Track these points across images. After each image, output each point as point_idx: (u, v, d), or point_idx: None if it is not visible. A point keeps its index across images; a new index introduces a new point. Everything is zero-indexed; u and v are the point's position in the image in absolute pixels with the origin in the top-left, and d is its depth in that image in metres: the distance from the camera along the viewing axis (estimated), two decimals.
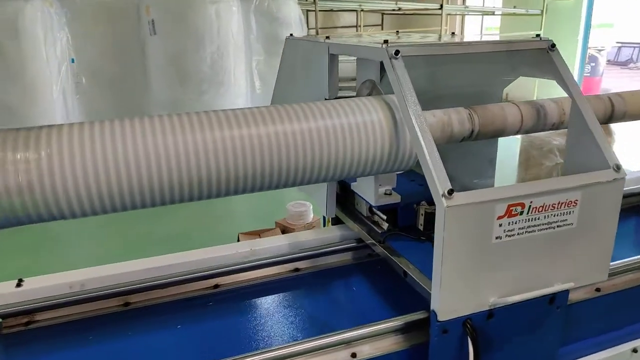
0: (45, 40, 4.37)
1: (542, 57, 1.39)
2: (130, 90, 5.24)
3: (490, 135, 1.41)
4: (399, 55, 1.23)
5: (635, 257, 1.53)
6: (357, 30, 8.89)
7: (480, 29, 10.61)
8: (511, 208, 1.14)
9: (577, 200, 1.19)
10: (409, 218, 1.62)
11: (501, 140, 1.61)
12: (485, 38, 1.75)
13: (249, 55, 5.68)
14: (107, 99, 5.16)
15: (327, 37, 1.60)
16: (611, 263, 1.49)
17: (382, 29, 10.40)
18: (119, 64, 5.20)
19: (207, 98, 5.10)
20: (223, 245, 1.66)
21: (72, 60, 4.79)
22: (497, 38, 1.46)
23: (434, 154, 1.12)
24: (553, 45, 1.37)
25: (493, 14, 9.45)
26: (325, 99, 1.63)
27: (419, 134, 1.14)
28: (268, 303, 1.48)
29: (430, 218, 1.51)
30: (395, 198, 1.60)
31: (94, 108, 5.04)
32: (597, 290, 1.47)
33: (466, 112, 1.37)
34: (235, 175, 1.14)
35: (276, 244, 1.68)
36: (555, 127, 1.49)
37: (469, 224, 1.11)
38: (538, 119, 1.44)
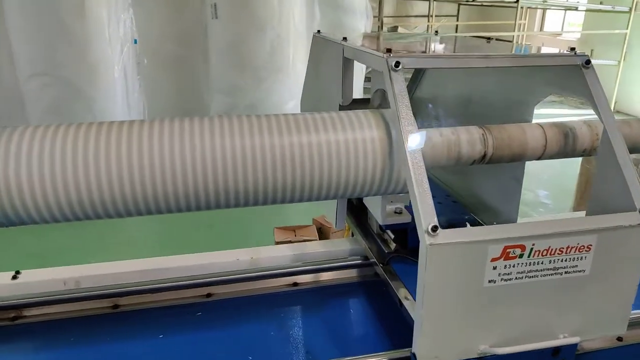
0: (109, 20, 4.52)
1: (575, 74, 1.22)
2: (190, 74, 5.33)
3: (506, 160, 1.26)
4: (400, 67, 1.11)
5: None
6: (428, 21, 8.53)
7: (562, 24, 9.84)
8: (508, 250, 1.00)
9: (591, 245, 1.04)
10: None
11: None
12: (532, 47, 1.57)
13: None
14: (167, 81, 5.29)
15: (344, 39, 1.50)
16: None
17: (458, 20, 9.91)
18: (181, 46, 5.30)
19: (266, 86, 5.09)
20: (223, 252, 1.62)
21: (135, 41, 4.93)
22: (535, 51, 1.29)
23: (422, 182, 1.01)
24: (588, 62, 1.20)
25: (576, 9, 8.69)
26: (340, 105, 1.55)
27: (408, 156, 1.03)
28: (257, 319, 1.43)
29: None
30: (406, 217, 1.48)
31: (154, 89, 5.19)
32: (619, 339, 1.30)
33: (479, 133, 1.23)
34: (206, 189, 1.08)
35: (279, 254, 1.63)
36: (587, 153, 1.31)
37: (457, 265, 0.99)
38: (566, 144, 1.27)
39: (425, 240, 0.96)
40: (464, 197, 1.72)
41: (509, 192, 1.55)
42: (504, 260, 1.01)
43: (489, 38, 1.99)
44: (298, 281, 1.56)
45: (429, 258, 0.97)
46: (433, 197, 1.71)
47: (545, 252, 1.02)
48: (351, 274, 1.59)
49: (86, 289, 1.46)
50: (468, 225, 1.56)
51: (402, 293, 1.31)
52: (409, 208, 1.51)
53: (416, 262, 1.40)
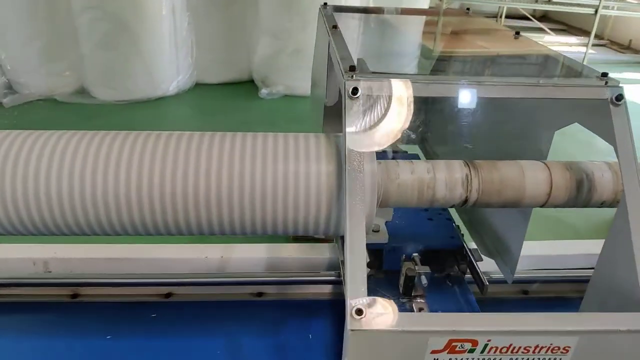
0: None
1: (601, 109, 0.94)
2: (240, 12, 5.08)
3: (495, 206, 1.03)
4: (358, 94, 0.89)
5: None
6: None
7: None
8: (454, 344, 0.81)
9: (568, 347, 0.82)
10: (397, 262, 1.32)
11: None
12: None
13: None
14: (217, 19, 5.07)
15: (334, 27, 1.26)
16: None
17: None
18: None
19: (312, 29, 4.78)
20: (193, 245, 1.51)
21: None
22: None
23: (358, 245, 0.82)
24: (619, 97, 0.91)
25: None
26: (325, 105, 1.34)
27: (347, 206, 0.84)
28: (211, 330, 1.32)
29: (409, 282, 1.20)
30: (381, 237, 1.30)
31: (203, 27, 5.01)
32: None
33: (463, 172, 0.99)
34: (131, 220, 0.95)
35: (251, 255, 1.50)
36: (607, 205, 1.04)
37: (386, 355, 0.81)
38: (578, 194, 1.01)
39: (348, 323, 0.79)
40: (462, 212, 1.49)
41: (515, 219, 1.31)
42: (447, 353, 0.82)
43: (517, 32, 1.58)
44: (264, 291, 1.43)
45: (352, 345, 0.79)
46: (426, 210, 1.51)
47: (505, 349, 0.82)
48: (323, 289, 1.43)
49: (49, 276, 1.42)
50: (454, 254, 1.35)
51: None
52: (390, 225, 1.32)
53: (388, 297, 1.24)
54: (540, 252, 1.57)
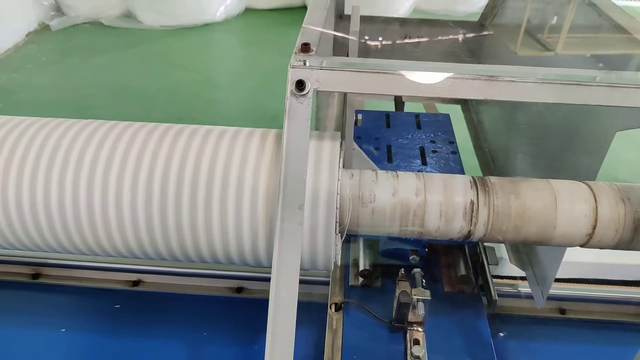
0: None
1: None
2: None
3: (509, 243, 0.74)
4: (306, 90, 0.61)
5: None
6: None
7: None
8: None
9: None
10: (397, 256, 1.10)
11: None
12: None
13: None
14: None
15: None
16: None
17: None
18: None
19: None
20: None
21: None
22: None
23: (287, 318, 0.59)
24: None
25: None
26: None
27: (275, 258, 0.60)
28: (177, 331, 1.16)
29: (404, 310, 0.95)
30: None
31: None
32: None
33: (467, 197, 0.70)
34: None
35: None
36: None
37: None
38: (635, 237, 0.70)
39: None
40: None
41: None
42: None
43: None
44: (244, 287, 1.23)
45: None
46: None
47: None
48: (310, 290, 1.21)
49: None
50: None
51: None
52: None
53: (375, 317, 1.00)
54: (586, 257, 1.25)
